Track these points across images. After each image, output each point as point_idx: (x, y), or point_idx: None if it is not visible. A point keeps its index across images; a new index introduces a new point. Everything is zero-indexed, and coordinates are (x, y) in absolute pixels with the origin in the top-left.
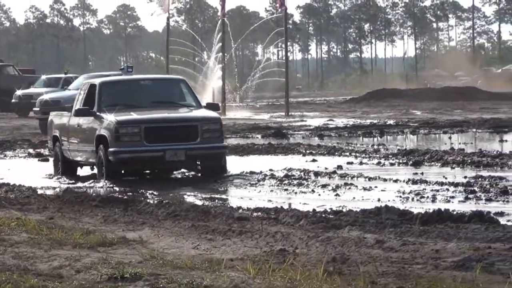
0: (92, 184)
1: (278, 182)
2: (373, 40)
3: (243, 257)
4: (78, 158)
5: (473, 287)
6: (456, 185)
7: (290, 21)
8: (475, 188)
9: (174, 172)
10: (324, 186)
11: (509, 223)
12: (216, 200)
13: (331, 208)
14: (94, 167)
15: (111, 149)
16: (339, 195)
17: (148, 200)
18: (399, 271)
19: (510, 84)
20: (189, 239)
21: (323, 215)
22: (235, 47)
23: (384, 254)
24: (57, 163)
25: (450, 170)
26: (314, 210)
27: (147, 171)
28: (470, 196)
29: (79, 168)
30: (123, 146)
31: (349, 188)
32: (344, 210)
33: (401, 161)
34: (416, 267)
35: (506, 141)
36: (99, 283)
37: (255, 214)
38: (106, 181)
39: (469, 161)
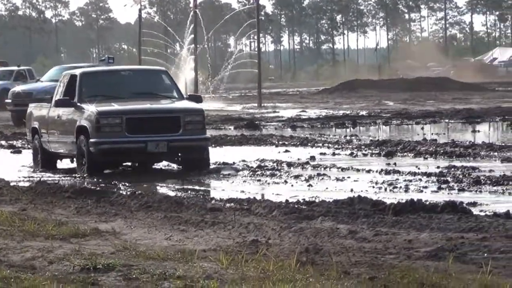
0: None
1: (251, 173)
2: (346, 31)
3: (216, 248)
4: (58, 150)
5: (446, 277)
6: (429, 175)
7: (262, 13)
8: (448, 178)
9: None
10: (297, 177)
11: (481, 213)
12: (189, 191)
13: (304, 199)
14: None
15: (92, 140)
16: (312, 186)
17: (120, 192)
18: (372, 261)
19: (482, 74)
20: (162, 230)
21: (296, 206)
22: (207, 38)
23: (357, 244)
24: (37, 156)
25: (423, 161)
26: (287, 200)
27: (128, 164)
28: (443, 186)
29: (58, 161)
30: (104, 137)
31: (322, 178)
32: (317, 200)
33: (373, 151)
34: (388, 257)
35: (478, 131)
36: (71, 274)
37: (228, 205)
38: (86, 173)
39: (442, 151)
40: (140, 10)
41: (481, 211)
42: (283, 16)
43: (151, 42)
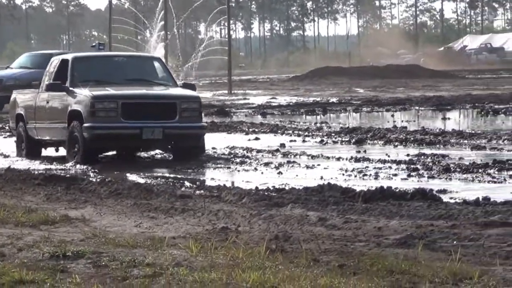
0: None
1: (221, 160)
2: (316, 18)
3: (186, 235)
4: (47, 137)
5: (415, 264)
6: (398, 162)
7: None
8: (418, 166)
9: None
10: (266, 164)
11: (451, 201)
12: (159, 178)
13: (273, 186)
14: (60, 147)
15: (86, 125)
16: (281, 173)
17: (90, 179)
18: (342, 248)
19: (452, 62)
20: (132, 217)
21: (266, 193)
22: (178, 25)
23: (327, 232)
24: (20, 144)
25: (393, 148)
26: (256, 188)
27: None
28: (413, 173)
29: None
30: (98, 122)
31: (292, 166)
32: (286, 188)
33: (343, 139)
34: (358, 245)
35: (448, 119)
36: (41, 261)
37: (197, 192)
38: (80, 159)
39: (412, 139)
40: None
41: (450, 198)
42: (253, 3)
43: (122, 29)
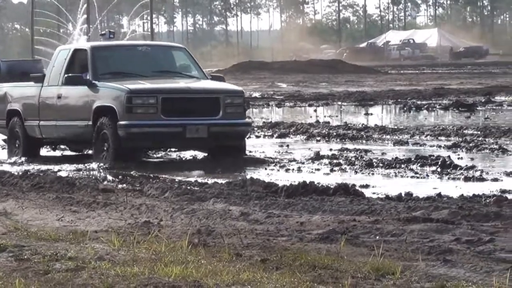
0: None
1: (145, 155)
2: (239, 13)
3: (108, 229)
4: (59, 135)
5: (338, 260)
6: (321, 157)
7: None
8: (341, 161)
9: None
10: (189, 158)
11: (374, 196)
12: (81, 172)
13: (196, 180)
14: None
15: (121, 122)
16: (204, 167)
17: (12, 172)
18: (264, 243)
19: (375, 57)
20: (54, 211)
21: (188, 187)
22: (101, 18)
23: (249, 226)
24: (13, 142)
25: (316, 143)
26: (179, 182)
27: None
28: (335, 168)
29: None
30: (136, 119)
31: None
32: (209, 182)
33: (266, 133)
34: (280, 240)
35: (371, 114)
36: None
37: (120, 186)
38: (111, 160)
39: (335, 134)
40: None
41: (373, 193)
42: None
43: (44, 22)
